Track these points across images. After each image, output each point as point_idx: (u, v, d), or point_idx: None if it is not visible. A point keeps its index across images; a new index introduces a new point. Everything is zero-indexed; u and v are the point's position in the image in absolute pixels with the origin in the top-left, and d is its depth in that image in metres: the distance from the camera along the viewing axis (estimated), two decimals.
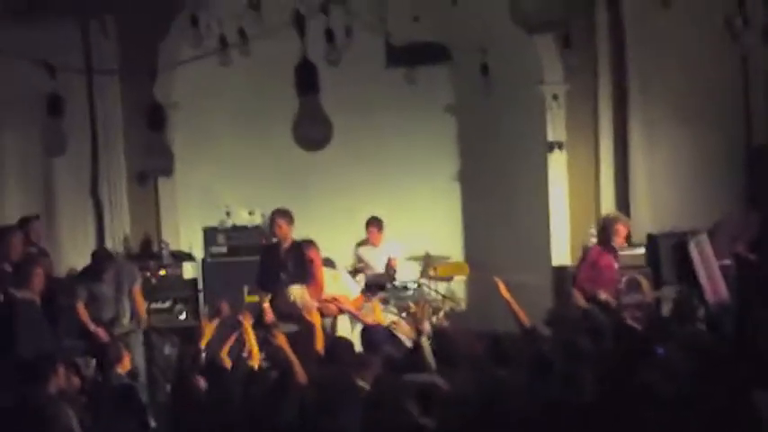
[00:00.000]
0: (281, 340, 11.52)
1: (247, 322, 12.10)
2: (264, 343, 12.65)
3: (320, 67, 9.50)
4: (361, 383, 10.40)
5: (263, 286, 14.37)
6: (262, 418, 9.48)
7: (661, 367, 9.89)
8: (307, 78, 8.24)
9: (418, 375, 10.92)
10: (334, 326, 13.78)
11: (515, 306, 13.07)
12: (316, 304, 13.35)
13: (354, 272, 16.03)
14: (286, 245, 14.38)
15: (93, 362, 13.02)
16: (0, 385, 10.74)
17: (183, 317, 15.67)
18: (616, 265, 14.66)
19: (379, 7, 14.48)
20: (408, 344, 12.32)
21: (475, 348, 11.57)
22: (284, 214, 14.48)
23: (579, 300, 14.14)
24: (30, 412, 9.68)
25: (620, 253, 15.55)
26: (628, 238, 16.37)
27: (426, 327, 13.54)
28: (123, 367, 12.18)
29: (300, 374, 10.79)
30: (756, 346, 10.67)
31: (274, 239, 14.72)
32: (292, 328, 13.19)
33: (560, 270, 16.32)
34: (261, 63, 13.09)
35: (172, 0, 15.47)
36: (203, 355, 12.07)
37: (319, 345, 12.19)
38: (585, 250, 15.27)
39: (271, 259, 14.52)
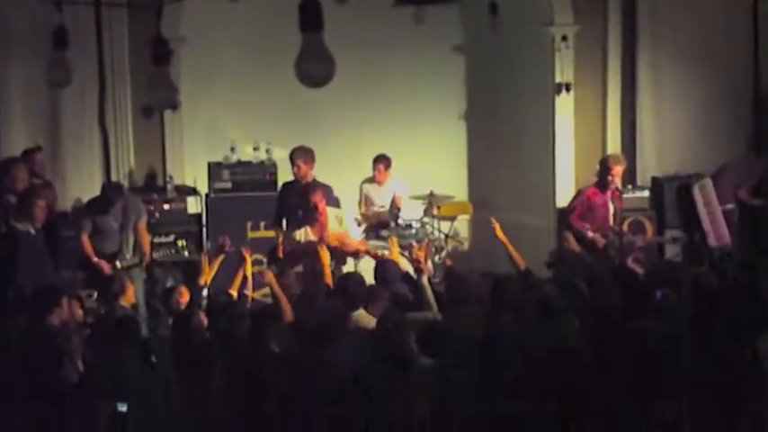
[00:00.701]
0: (270, 277, 11.61)
1: (248, 257, 12.14)
2: (280, 277, 12.74)
3: (327, 4, 9.47)
4: (368, 317, 10.48)
5: (278, 223, 14.59)
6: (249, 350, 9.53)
7: (659, 311, 9.91)
8: (310, 16, 8.22)
9: (419, 314, 10.96)
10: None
11: (510, 247, 13.14)
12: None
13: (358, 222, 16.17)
14: (304, 183, 14.43)
15: (96, 294, 13.06)
16: (3, 316, 10.78)
17: (186, 253, 15.67)
18: (611, 206, 14.86)
19: None
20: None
21: (482, 289, 11.60)
22: (304, 153, 14.62)
23: (572, 242, 14.19)
24: (34, 342, 9.74)
25: (625, 196, 15.70)
26: (633, 180, 16.51)
27: (428, 266, 13.59)
28: (126, 300, 12.21)
29: (287, 310, 10.88)
30: (758, 291, 10.71)
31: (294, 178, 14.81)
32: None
33: (565, 212, 16.32)
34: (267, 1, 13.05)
35: None
36: (204, 291, 12.10)
37: (328, 279, 12.28)
38: (580, 190, 15.39)
39: (288, 197, 14.71)
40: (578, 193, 15.41)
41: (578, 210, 15.03)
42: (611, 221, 14.97)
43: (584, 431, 8.33)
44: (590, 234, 14.70)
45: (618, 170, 14.98)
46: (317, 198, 13.83)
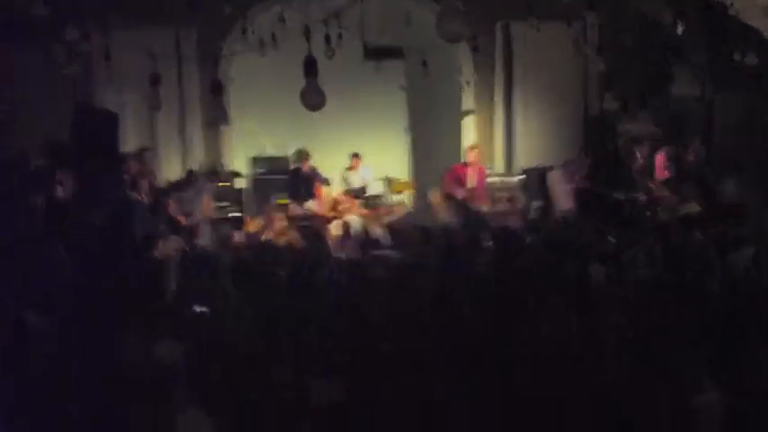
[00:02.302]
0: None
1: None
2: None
3: (321, 59, 9.50)
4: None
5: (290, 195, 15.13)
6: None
7: (530, 252, 9.99)
8: (310, 67, 8.27)
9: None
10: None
11: (443, 209, 13.40)
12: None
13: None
14: (305, 170, 14.90)
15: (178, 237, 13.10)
16: (124, 254, 10.77)
17: (234, 213, 15.74)
18: (468, 174, 15.64)
19: (360, 22, 14.45)
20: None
21: (413, 236, 11.70)
22: (306, 153, 15.42)
23: (435, 197, 15.30)
24: (145, 270, 9.76)
25: (504, 179, 15.98)
26: (510, 169, 16.66)
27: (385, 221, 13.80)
28: (202, 241, 12.32)
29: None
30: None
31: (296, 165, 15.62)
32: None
33: (469, 190, 16.37)
34: (284, 55, 13.02)
35: (230, 16, 15.40)
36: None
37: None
38: (449, 168, 15.91)
39: (295, 178, 15.32)
40: (450, 168, 15.90)
41: (449, 176, 15.64)
42: (468, 184, 15.59)
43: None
44: (455, 190, 15.46)
45: (473, 153, 15.93)
46: (317, 185, 14.89)
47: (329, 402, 5.93)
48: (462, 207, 15.25)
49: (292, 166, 15.89)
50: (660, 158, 14.96)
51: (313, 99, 8.50)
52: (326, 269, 9.59)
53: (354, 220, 15.04)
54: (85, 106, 15.30)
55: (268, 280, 9.11)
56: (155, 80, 12.43)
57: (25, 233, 11.92)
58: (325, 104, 8.62)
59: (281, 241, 12.77)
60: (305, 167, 15.24)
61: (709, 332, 7.15)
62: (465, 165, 15.59)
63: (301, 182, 15.19)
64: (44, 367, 7.08)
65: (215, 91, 13.11)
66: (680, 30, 13.34)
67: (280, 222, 14.12)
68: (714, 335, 7.11)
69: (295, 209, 15.00)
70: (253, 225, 12.82)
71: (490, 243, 10.92)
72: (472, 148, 15.95)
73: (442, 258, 9.74)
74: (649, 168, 15.07)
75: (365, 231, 14.43)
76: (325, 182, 16.13)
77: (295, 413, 6.01)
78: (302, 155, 15.31)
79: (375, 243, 12.47)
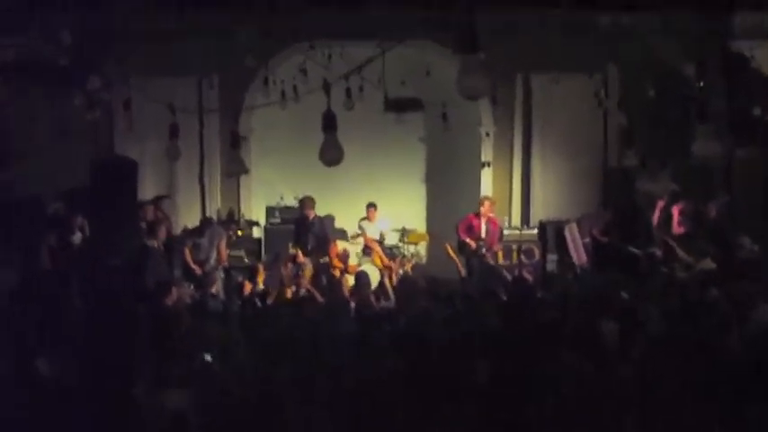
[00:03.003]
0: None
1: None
2: (296, 276, 13.05)
3: (340, 111, 9.56)
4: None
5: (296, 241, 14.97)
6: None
7: (542, 305, 9.96)
8: (329, 122, 8.31)
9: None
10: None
11: (457, 261, 13.39)
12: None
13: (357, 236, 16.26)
14: (311, 217, 14.96)
15: (192, 286, 13.10)
16: (134, 300, 10.78)
17: (247, 261, 15.75)
18: (483, 226, 15.45)
19: (381, 73, 14.53)
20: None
21: (422, 287, 11.75)
22: (310, 200, 15.17)
23: (450, 249, 14.94)
24: (157, 317, 9.76)
25: (520, 232, 15.97)
26: (527, 222, 16.70)
27: (399, 272, 13.80)
28: (214, 289, 12.33)
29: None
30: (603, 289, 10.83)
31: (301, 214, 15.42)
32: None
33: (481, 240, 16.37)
34: (305, 108, 13.11)
35: (253, 69, 15.53)
36: (260, 285, 12.23)
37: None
38: (463, 218, 15.75)
39: (300, 225, 15.22)
40: (465, 217, 15.71)
41: (462, 225, 15.51)
42: (482, 235, 15.43)
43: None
44: (467, 240, 15.27)
45: (486, 205, 15.65)
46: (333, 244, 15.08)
47: None
48: (477, 259, 15.25)
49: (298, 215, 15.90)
50: (676, 213, 14.95)
51: (331, 154, 8.51)
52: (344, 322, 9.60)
53: (370, 270, 14.97)
54: (106, 154, 15.47)
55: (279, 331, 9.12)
56: (174, 131, 12.55)
57: (41, 277, 12.00)
58: (343, 159, 8.63)
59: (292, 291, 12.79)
60: (310, 215, 15.22)
61: (724, 389, 7.11)
62: (478, 215, 15.58)
63: (306, 230, 15.17)
64: (55, 412, 7.10)
65: (234, 143, 13.23)
66: (700, 84, 13.33)
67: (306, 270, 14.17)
68: (730, 392, 7.06)
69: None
70: (261, 275, 12.85)
71: (504, 297, 10.88)
72: (486, 198, 15.93)
73: (453, 311, 9.73)
74: (666, 224, 15.05)
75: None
76: (341, 235, 16.22)
77: None
78: (305, 202, 15.31)
79: (386, 295, 12.45)
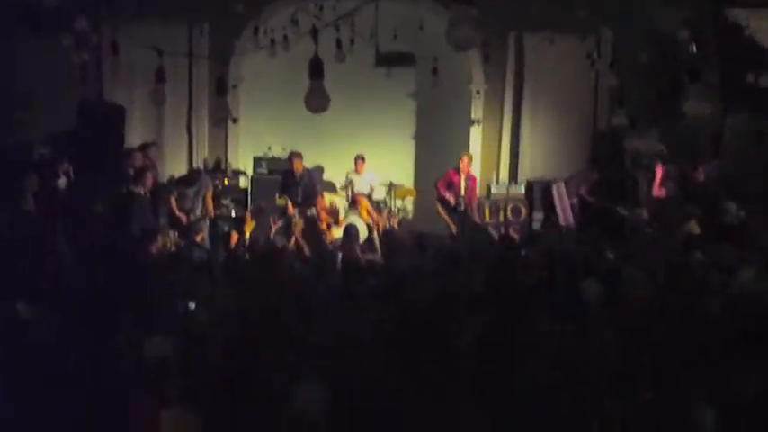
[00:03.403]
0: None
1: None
2: (287, 226, 13.10)
3: (331, 63, 9.52)
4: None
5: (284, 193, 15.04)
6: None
7: (524, 263, 9.98)
8: (315, 68, 8.26)
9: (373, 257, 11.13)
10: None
11: (447, 220, 13.46)
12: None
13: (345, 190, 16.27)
14: (299, 171, 14.81)
15: (177, 234, 13.12)
16: (120, 248, 10.78)
17: (234, 211, 15.73)
18: (463, 183, 15.60)
19: (373, 27, 14.50)
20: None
21: (408, 241, 11.75)
22: (299, 155, 15.26)
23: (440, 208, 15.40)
24: (140, 264, 9.76)
25: (510, 190, 16.32)
26: (515, 180, 16.72)
27: (385, 226, 13.83)
28: (199, 238, 12.31)
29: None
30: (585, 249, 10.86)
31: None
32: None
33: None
34: (294, 56, 13.02)
35: (244, 16, 15.43)
36: (247, 235, 12.19)
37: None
38: (444, 173, 15.81)
39: (289, 179, 15.13)
40: (444, 173, 15.81)
41: (442, 181, 15.66)
42: (462, 191, 15.55)
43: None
44: (447, 196, 15.50)
45: (465, 160, 15.74)
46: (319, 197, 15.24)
47: (309, 407, 5.92)
48: (463, 216, 15.30)
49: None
50: (658, 176, 14.99)
51: (316, 102, 8.43)
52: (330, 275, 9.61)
53: (358, 222, 15.02)
54: (93, 99, 15.40)
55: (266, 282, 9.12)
56: (160, 75, 12.47)
57: (26, 222, 11.97)
58: (329, 108, 8.57)
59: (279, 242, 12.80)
60: (299, 170, 15.19)
61: (707, 352, 7.12)
62: (458, 171, 15.59)
63: (295, 183, 15.17)
64: (37, 360, 7.08)
65: (220, 90, 13.20)
66: (693, 49, 13.29)
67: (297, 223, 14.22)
68: (712, 355, 7.07)
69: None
70: (249, 225, 12.85)
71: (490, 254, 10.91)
72: (465, 155, 15.91)
73: (439, 267, 9.74)
74: (652, 186, 15.12)
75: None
76: (330, 187, 16.21)
77: (279, 414, 6.01)
78: (293, 157, 15.29)
79: (373, 248, 12.50)
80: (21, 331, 7.44)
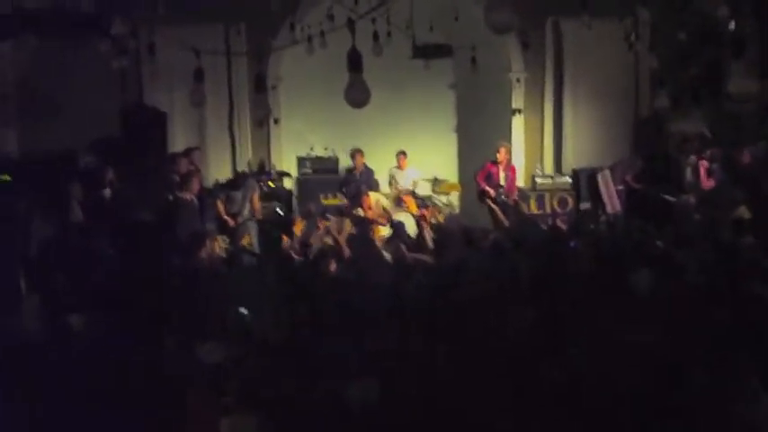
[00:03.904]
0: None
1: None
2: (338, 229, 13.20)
3: (369, 57, 9.51)
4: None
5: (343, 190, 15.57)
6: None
7: (573, 255, 9.94)
8: (354, 61, 8.23)
9: (420, 255, 11.07)
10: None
11: (499, 213, 13.53)
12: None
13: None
14: (360, 168, 15.37)
15: (226, 238, 13.17)
16: (169, 253, 10.83)
17: (281, 212, 15.74)
18: (502, 174, 15.70)
19: (409, 19, 14.48)
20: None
21: (458, 236, 11.71)
22: (361, 152, 15.89)
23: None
24: (189, 269, 9.80)
25: (553, 180, 16.24)
26: (559, 170, 16.67)
27: (431, 221, 13.78)
28: (246, 241, 12.35)
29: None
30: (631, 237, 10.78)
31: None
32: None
33: (520, 191, 16.34)
34: (332, 52, 13.02)
35: (280, 14, 15.42)
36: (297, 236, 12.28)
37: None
38: (481, 166, 15.88)
39: (350, 176, 15.83)
40: (482, 165, 15.84)
41: (481, 173, 15.71)
42: (501, 182, 15.62)
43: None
44: (486, 188, 15.54)
45: (503, 151, 15.76)
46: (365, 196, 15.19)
47: (366, 405, 5.93)
48: (511, 209, 15.26)
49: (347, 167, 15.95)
50: (703, 170, 14.84)
51: (357, 95, 8.38)
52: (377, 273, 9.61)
53: (406, 220, 14.95)
54: (134, 104, 15.47)
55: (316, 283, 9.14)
56: (199, 76, 12.50)
57: (73, 231, 12.06)
58: (370, 101, 8.53)
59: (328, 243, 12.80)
60: (359, 165, 15.47)
61: (761, 339, 7.06)
62: (496, 163, 15.56)
63: (354, 180, 15.43)
64: (90, 370, 7.13)
65: (259, 87, 13.18)
66: (732, 26, 13.18)
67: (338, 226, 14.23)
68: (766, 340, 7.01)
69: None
70: (299, 226, 12.91)
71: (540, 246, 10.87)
72: (502, 145, 15.87)
73: (490, 261, 9.72)
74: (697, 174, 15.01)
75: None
76: (374, 182, 16.20)
77: (333, 415, 6.03)
78: (355, 155, 15.53)
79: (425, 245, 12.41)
80: (74, 342, 7.50)
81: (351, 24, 8.99)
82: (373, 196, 15.42)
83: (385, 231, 14.32)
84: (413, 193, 16.09)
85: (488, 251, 10.33)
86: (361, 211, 14.88)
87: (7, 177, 13.08)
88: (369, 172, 15.83)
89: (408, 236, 12.79)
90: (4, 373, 6.36)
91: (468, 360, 6.70)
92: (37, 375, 6.44)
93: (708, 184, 14.66)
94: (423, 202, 16.36)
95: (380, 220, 14.78)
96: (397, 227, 12.79)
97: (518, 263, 9.34)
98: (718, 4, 13.77)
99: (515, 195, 15.79)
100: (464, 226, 13.72)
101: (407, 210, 15.47)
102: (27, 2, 13.13)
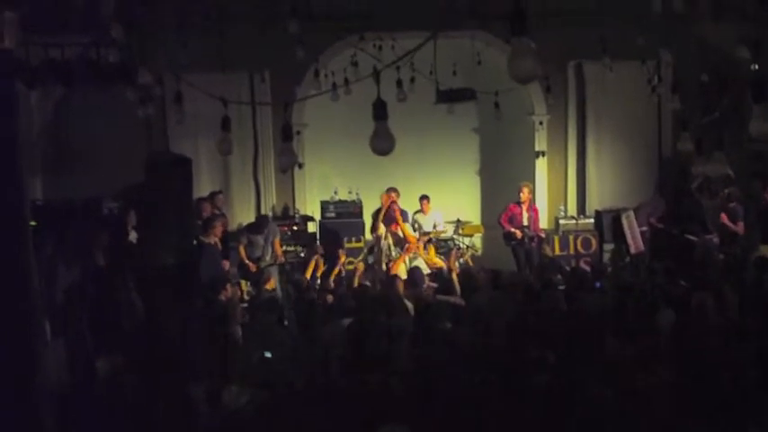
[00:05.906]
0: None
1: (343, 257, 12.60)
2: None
3: (393, 102, 9.59)
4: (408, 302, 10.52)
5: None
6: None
7: (601, 295, 9.96)
8: (379, 110, 8.29)
9: (448, 297, 11.03)
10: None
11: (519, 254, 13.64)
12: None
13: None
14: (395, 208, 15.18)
15: (249, 283, 13.21)
16: (190, 296, 10.88)
17: (303, 254, 15.77)
18: (525, 214, 15.75)
19: (433, 64, 14.56)
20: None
21: (485, 279, 11.70)
22: (396, 191, 15.43)
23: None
24: (211, 311, 9.86)
25: (576, 221, 16.20)
26: (583, 211, 16.65)
27: (455, 266, 13.68)
28: (269, 286, 12.37)
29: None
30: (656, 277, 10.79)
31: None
32: None
33: (544, 232, 16.37)
34: (357, 102, 13.09)
35: (304, 62, 15.55)
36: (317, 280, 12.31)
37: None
38: (504, 209, 15.94)
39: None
40: (505, 207, 15.89)
41: (504, 216, 15.75)
42: (524, 222, 15.65)
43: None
44: (512, 230, 15.57)
45: (525, 191, 15.80)
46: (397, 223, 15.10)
47: None
48: (535, 251, 15.28)
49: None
50: (725, 218, 14.80)
51: (382, 144, 8.42)
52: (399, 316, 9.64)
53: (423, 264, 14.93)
54: (160, 151, 15.58)
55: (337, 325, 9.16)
56: (226, 124, 12.57)
57: (99, 279, 12.13)
58: (394, 149, 8.60)
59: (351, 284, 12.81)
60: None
61: None
62: (519, 204, 15.61)
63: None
64: (114, 409, 7.18)
65: (286, 135, 13.25)
66: (756, 66, 13.18)
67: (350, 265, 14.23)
68: None
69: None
70: (320, 269, 12.94)
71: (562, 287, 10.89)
72: (524, 185, 15.90)
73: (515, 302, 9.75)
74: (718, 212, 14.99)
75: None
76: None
77: None
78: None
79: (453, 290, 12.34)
80: (101, 386, 7.56)
81: (376, 75, 9.07)
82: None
83: (403, 268, 14.33)
84: (429, 240, 16.00)
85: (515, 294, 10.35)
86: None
87: (32, 223, 13.16)
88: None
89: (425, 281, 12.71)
90: (30, 417, 6.41)
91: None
92: (62, 420, 6.50)
93: (735, 228, 14.59)
94: (445, 244, 16.36)
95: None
96: (415, 272, 12.72)
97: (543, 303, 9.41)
98: (739, 46, 13.82)
99: (541, 233, 15.82)
100: (491, 269, 13.69)
101: (429, 259, 15.40)
102: (54, 51, 13.27)
